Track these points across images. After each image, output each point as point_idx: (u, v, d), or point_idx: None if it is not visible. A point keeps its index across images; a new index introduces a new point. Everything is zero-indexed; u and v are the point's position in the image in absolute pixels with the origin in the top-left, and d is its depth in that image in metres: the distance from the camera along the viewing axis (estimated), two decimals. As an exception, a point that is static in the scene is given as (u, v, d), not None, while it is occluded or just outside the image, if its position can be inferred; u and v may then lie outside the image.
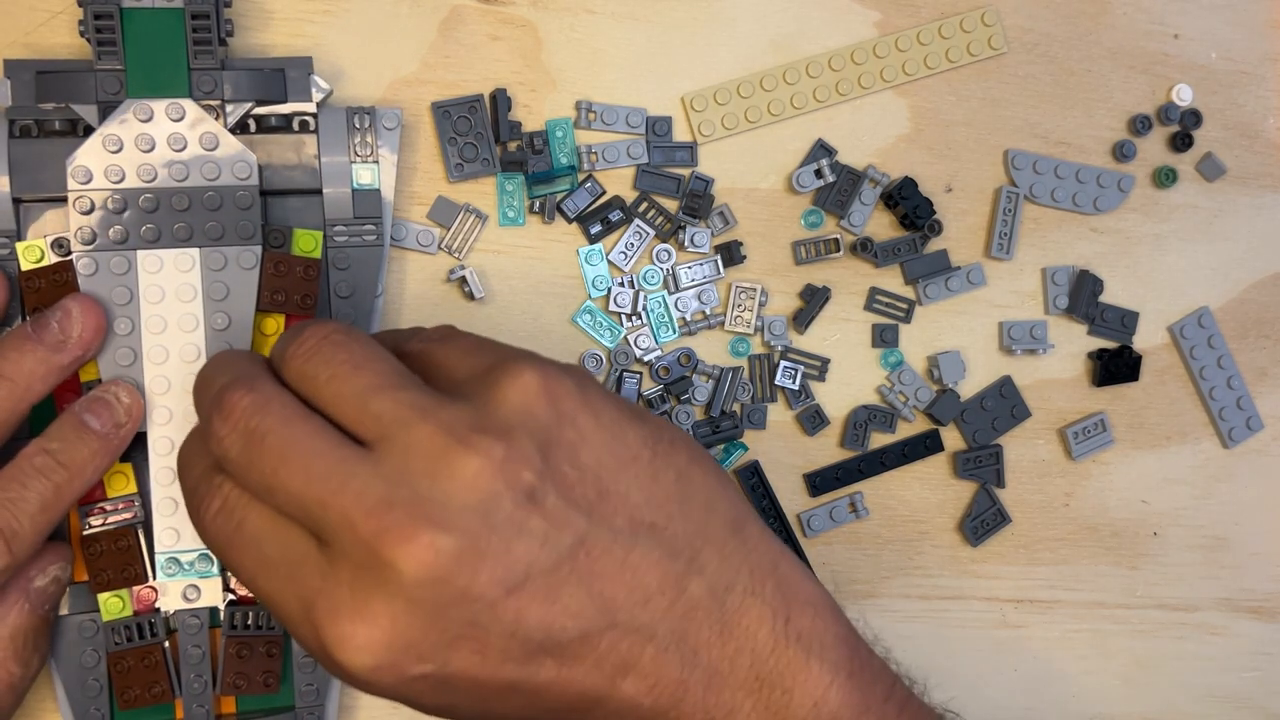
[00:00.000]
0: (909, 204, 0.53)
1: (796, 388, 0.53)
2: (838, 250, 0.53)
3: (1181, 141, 0.57)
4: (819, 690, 0.38)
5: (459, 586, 0.33)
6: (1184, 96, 0.57)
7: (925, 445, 0.55)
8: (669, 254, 0.52)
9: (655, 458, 0.38)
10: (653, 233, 0.52)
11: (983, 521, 0.55)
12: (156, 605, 0.44)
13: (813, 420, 0.53)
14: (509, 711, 0.37)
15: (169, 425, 0.44)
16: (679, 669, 0.37)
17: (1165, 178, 0.57)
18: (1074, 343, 0.57)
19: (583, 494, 0.36)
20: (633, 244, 0.51)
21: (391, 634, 0.34)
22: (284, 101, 0.46)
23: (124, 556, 0.44)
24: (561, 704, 0.36)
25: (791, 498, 0.54)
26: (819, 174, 0.53)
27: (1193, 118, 0.58)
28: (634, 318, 0.52)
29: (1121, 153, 0.56)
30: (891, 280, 0.54)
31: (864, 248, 0.53)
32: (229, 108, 0.45)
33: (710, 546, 0.38)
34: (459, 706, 0.36)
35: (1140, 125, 0.57)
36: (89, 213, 0.43)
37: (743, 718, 0.38)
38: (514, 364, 0.36)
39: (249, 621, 0.44)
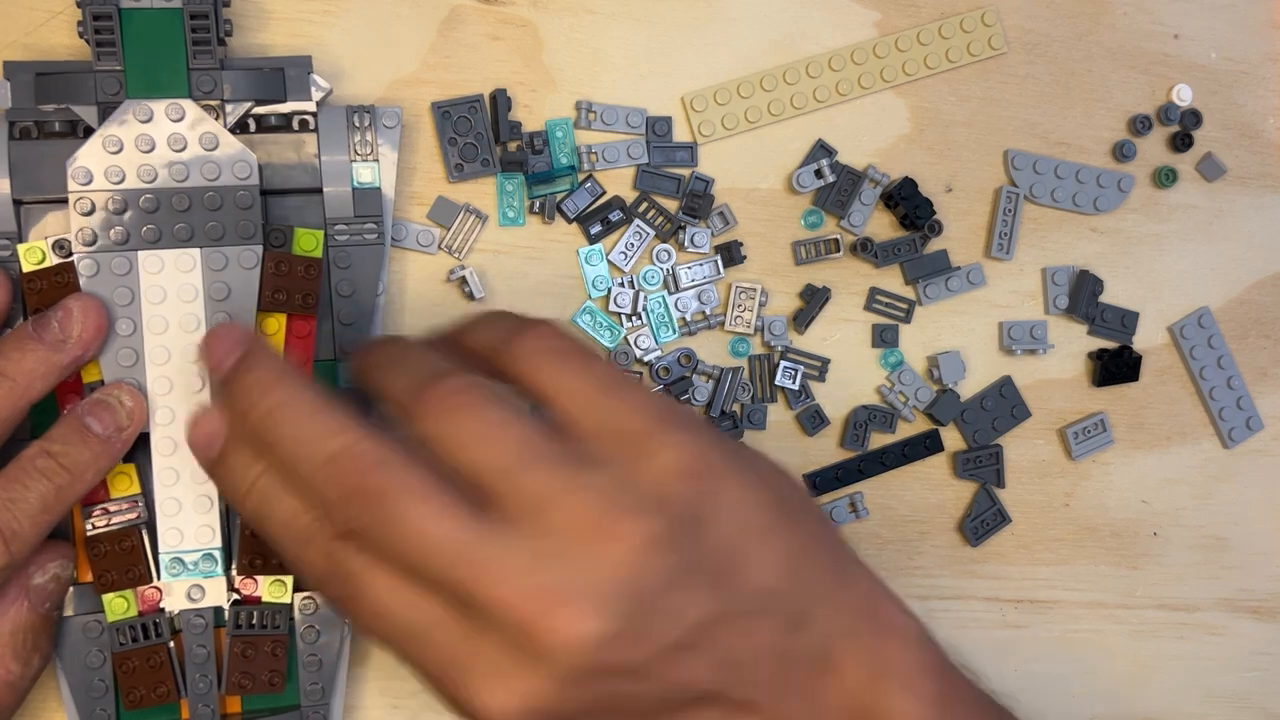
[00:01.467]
0: (909, 204, 0.54)
1: (796, 388, 0.54)
2: (838, 250, 0.54)
3: (1181, 141, 0.59)
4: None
5: (607, 664, 0.35)
6: (1184, 96, 0.59)
7: (925, 445, 0.56)
8: (669, 254, 0.53)
9: (779, 521, 0.39)
10: (653, 233, 0.53)
11: (983, 521, 0.56)
12: (161, 605, 0.45)
13: (813, 420, 0.55)
14: None
15: (171, 425, 0.45)
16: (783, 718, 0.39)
17: (1165, 178, 0.58)
18: (1074, 343, 0.58)
19: (718, 566, 0.37)
20: (633, 244, 0.53)
21: (535, 703, 0.35)
22: (283, 101, 0.47)
23: (128, 557, 0.45)
24: None
25: (791, 498, 0.55)
26: (819, 174, 0.54)
27: (1193, 118, 0.59)
28: (634, 318, 0.53)
29: (1121, 153, 0.58)
30: (891, 280, 0.56)
31: (864, 248, 0.54)
32: (229, 107, 0.46)
33: (820, 601, 0.39)
34: None
35: (1140, 125, 0.58)
36: (90, 214, 0.44)
37: None
38: (665, 435, 0.37)
39: (254, 621, 0.46)
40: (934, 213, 0.55)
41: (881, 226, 0.56)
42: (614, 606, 0.35)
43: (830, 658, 0.39)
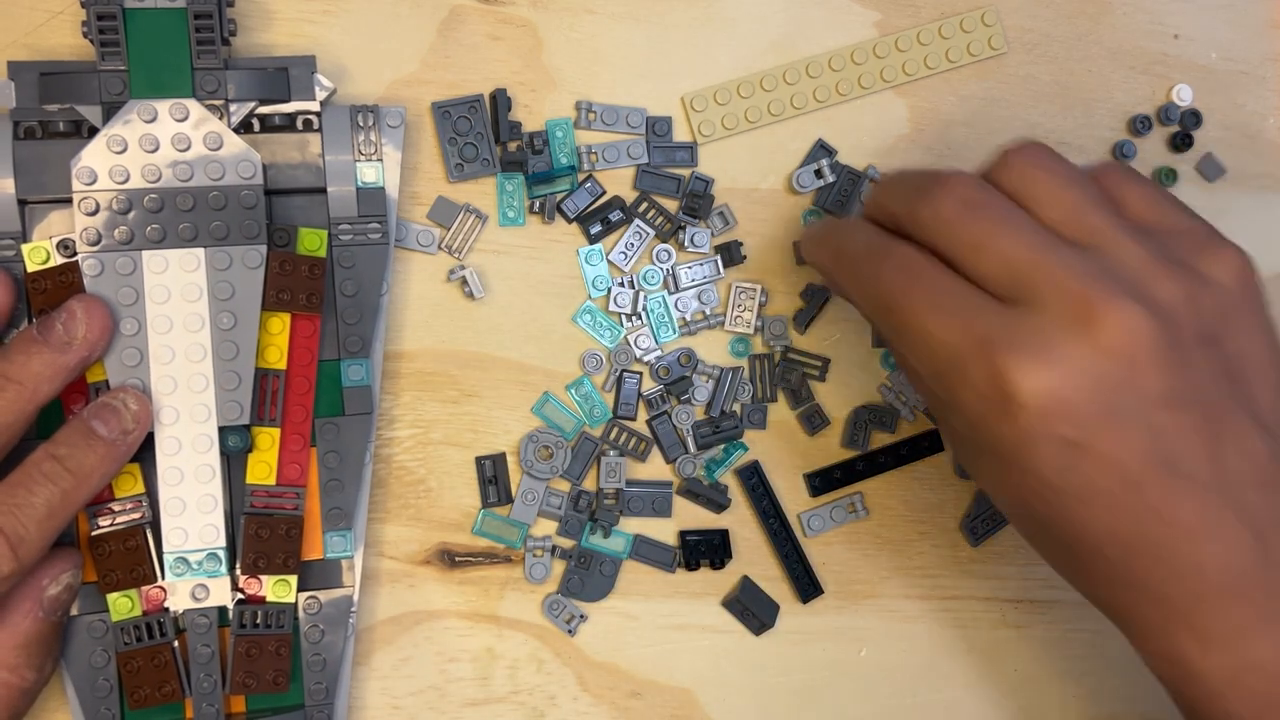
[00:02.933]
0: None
1: (797, 388, 0.56)
2: None
3: (1181, 141, 0.60)
4: None
5: (1137, 371, 0.40)
6: (1184, 96, 0.60)
7: (925, 445, 0.57)
8: (669, 254, 0.54)
9: None
10: (653, 233, 0.54)
11: (982, 521, 0.58)
12: (165, 605, 0.47)
13: (813, 420, 0.56)
14: (1084, 532, 0.42)
15: (176, 425, 0.46)
16: (1253, 563, 0.41)
17: (1165, 178, 0.60)
18: (1074, 343, 0.59)
19: (1238, 369, 0.43)
20: (633, 244, 0.54)
21: (1064, 383, 0.40)
22: (287, 100, 0.48)
23: (132, 557, 0.46)
24: (1141, 542, 0.42)
25: (791, 498, 0.56)
26: (819, 174, 0.55)
27: (1193, 118, 0.60)
28: (634, 318, 0.54)
29: (1121, 153, 0.59)
30: (892, 280, 0.57)
31: (864, 248, 0.56)
32: (233, 107, 0.47)
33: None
34: (1046, 502, 0.42)
35: (1140, 125, 0.59)
36: (94, 214, 0.45)
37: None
38: (1225, 247, 0.44)
39: (258, 620, 0.47)
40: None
41: (882, 226, 0.57)
42: (1161, 316, 0.40)
43: None
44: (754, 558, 0.56)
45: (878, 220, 0.48)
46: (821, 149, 0.56)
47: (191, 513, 0.46)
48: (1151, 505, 0.41)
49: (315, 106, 0.48)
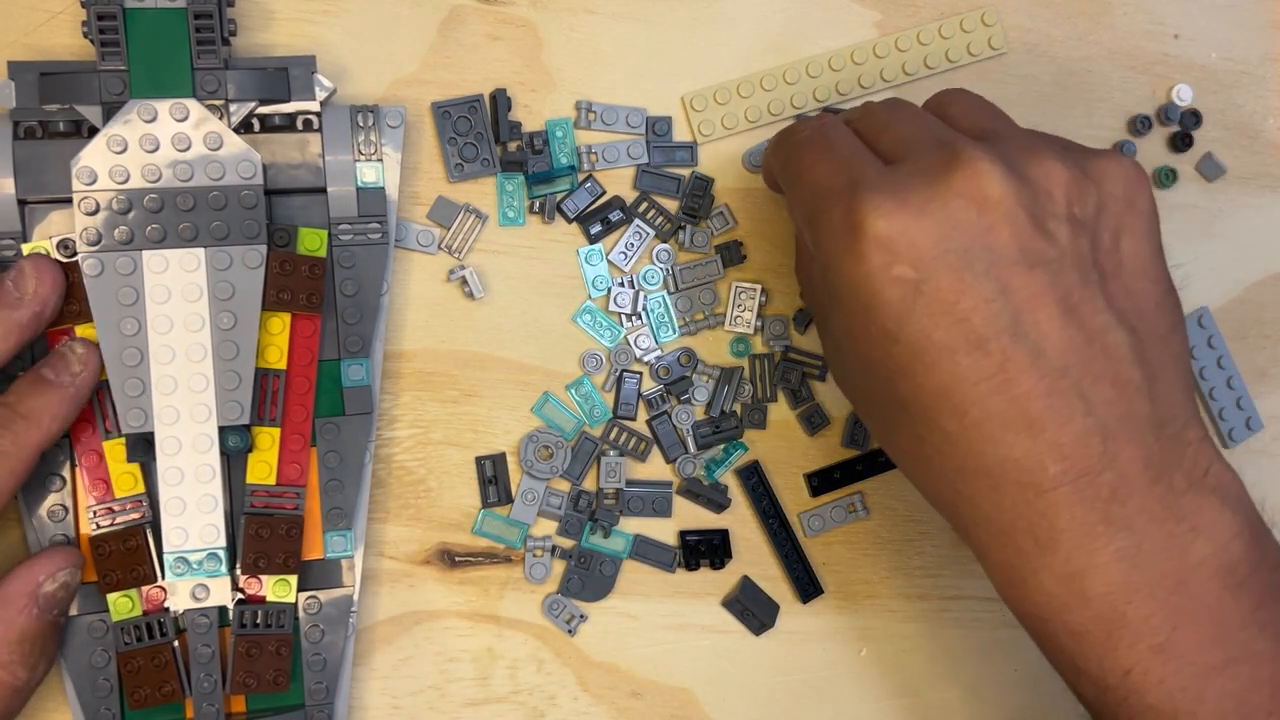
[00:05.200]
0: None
1: (797, 388, 0.56)
2: None
3: (1181, 141, 0.60)
4: (1225, 537, 0.42)
5: (989, 224, 0.41)
6: (1184, 96, 0.61)
7: (925, 446, 0.57)
8: (669, 254, 0.55)
9: (1164, 295, 0.44)
10: (653, 233, 0.54)
11: (983, 522, 0.58)
12: (165, 605, 0.47)
13: (812, 420, 0.56)
14: (920, 392, 0.42)
15: (176, 425, 0.46)
16: (1096, 462, 0.41)
17: (1165, 178, 0.60)
18: (1074, 343, 0.60)
19: (1111, 264, 0.43)
20: (633, 244, 0.54)
21: (910, 223, 0.41)
22: (287, 100, 0.48)
23: (132, 556, 0.46)
24: (979, 414, 0.41)
25: (791, 498, 0.56)
26: None
27: (1193, 118, 0.61)
28: (634, 318, 0.55)
29: (1122, 153, 0.59)
30: (892, 280, 0.57)
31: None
32: (233, 107, 0.47)
33: (1170, 384, 0.43)
34: (886, 354, 0.42)
35: (1140, 125, 0.60)
36: (94, 214, 0.46)
37: (1138, 539, 0.41)
38: (1118, 156, 0.45)
39: (258, 620, 0.47)
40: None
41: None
42: (1018, 181, 0.42)
43: (1165, 440, 0.42)
44: (754, 558, 0.56)
45: None
46: (821, 149, 0.56)
47: (192, 512, 0.46)
48: (992, 371, 0.41)
49: (315, 106, 0.48)
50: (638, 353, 0.55)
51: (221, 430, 0.47)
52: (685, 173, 0.55)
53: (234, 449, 0.47)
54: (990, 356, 0.41)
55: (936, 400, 0.42)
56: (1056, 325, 0.41)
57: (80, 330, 0.46)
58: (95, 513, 0.46)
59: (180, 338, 0.46)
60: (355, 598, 0.49)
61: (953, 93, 0.50)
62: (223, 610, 0.48)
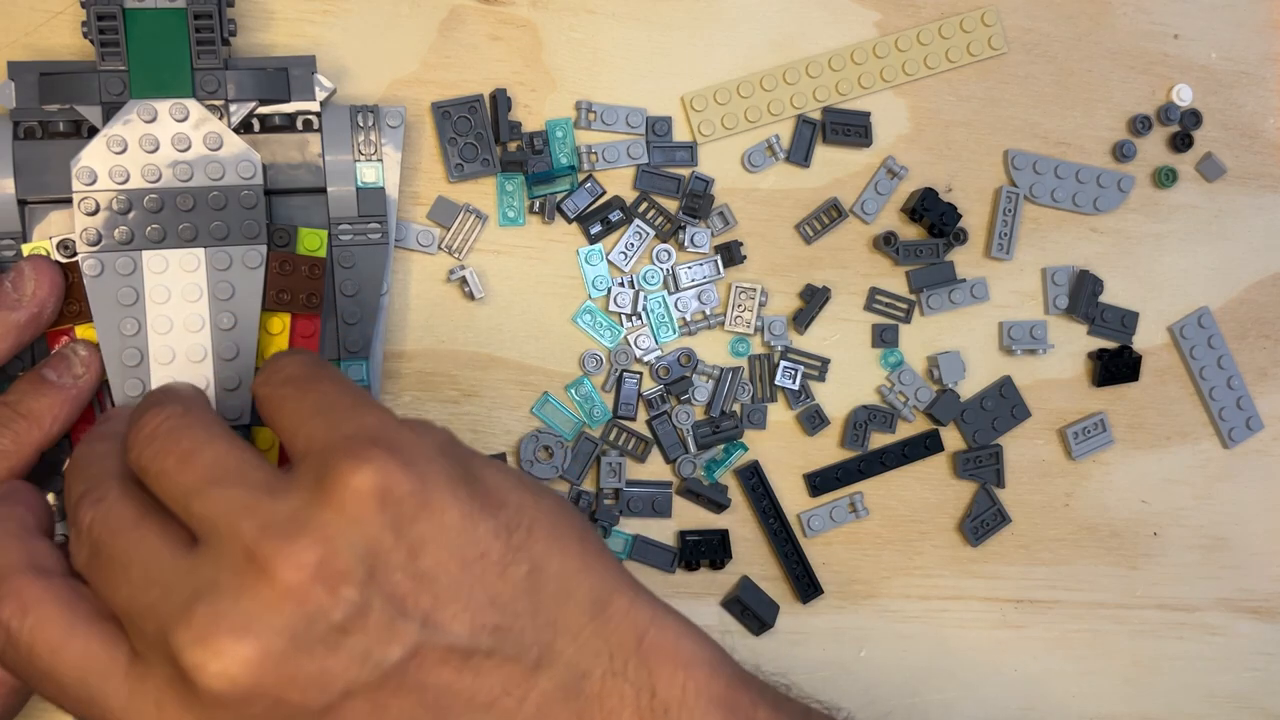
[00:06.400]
0: (933, 214, 0.56)
1: (796, 388, 0.56)
2: (841, 215, 0.56)
3: (1181, 141, 0.61)
4: (702, 678, 0.38)
5: (267, 702, 0.34)
6: (1184, 96, 0.61)
7: (925, 445, 0.58)
8: (669, 254, 0.55)
9: (507, 551, 0.37)
10: (653, 233, 0.55)
11: (983, 521, 0.58)
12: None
13: (813, 420, 0.56)
14: None
15: (176, 425, 0.46)
16: None
17: (1165, 178, 0.60)
18: (1074, 343, 0.60)
19: (416, 603, 0.35)
20: (633, 244, 0.54)
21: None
22: (287, 101, 0.48)
23: (133, 555, 0.46)
24: None
25: (791, 498, 0.57)
26: (770, 151, 0.56)
27: (1193, 118, 0.61)
28: (634, 318, 0.55)
29: (1121, 153, 0.60)
30: (891, 280, 0.57)
31: (887, 242, 0.56)
32: (233, 107, 0.47)
33: (564, 636, 0.37)
34: None
35: (1140, 125, 0.60)
36: (94, 214, 0.46)
37: None
38: (350, 460, 0.35)
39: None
40: (959, 217, 0.57)
41: (892, 222, 0.57)
42: (266, 636, 0.33)
43: (587, 700, 0.37)
44: (754, 558, 0.56)
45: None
46: (821, 149, 0.57)
47: (192, 512, 0.46)
48: None
49: (315, 106, 0.49)
50: (638, 353, 0.55)
51: (221, 430, 0.47)
52: (685, 173, 0.55)
53: (234, 449, 0.47)
54: None
55: None
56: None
57: (80, 330, 0.46)
58: None
59: (180, 338, 0.46)
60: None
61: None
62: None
